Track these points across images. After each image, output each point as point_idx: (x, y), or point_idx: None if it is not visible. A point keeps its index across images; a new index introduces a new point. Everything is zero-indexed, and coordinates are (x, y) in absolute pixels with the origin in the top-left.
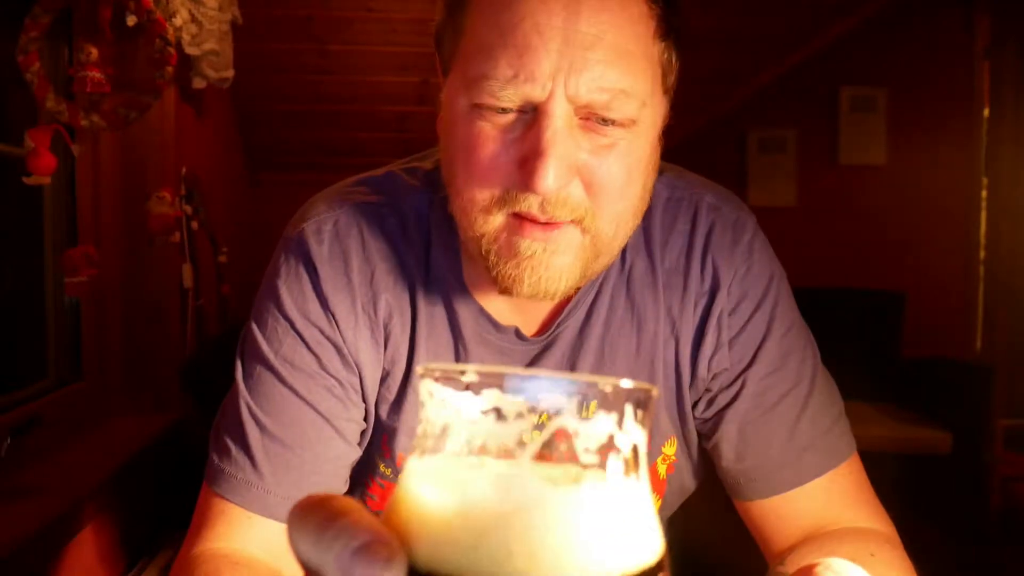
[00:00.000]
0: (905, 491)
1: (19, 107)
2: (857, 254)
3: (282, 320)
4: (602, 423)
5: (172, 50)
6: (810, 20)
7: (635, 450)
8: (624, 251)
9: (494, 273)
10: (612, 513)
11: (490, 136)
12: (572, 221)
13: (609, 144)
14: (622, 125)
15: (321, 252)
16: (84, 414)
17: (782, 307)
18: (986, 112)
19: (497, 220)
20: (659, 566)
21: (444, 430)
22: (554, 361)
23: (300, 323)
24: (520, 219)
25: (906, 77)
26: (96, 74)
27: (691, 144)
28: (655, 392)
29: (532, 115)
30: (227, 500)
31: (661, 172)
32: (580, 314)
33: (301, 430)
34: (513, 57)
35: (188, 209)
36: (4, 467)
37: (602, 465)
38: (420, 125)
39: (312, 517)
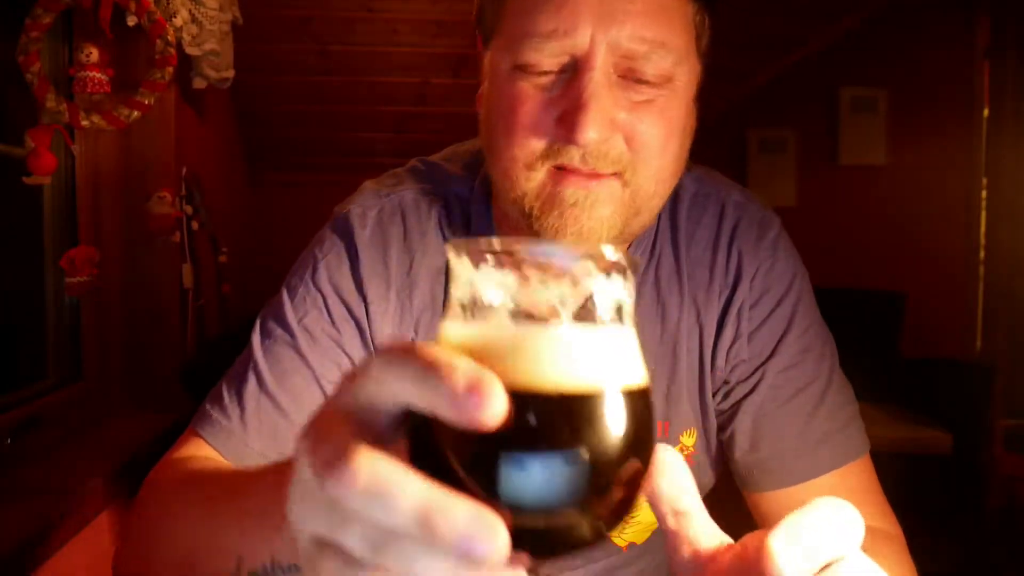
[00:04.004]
0: (905, 491)
1: (19, 107)
2: (857, 254)
3: (313, 290)
4: (615, 284)
5: (172, 50)
6: (810, 20)
7: (623, 306)
8: (653, 243)
9: (537, 227)
10: (616, 348)
11: (531, 95)
12: (613, 174)
13: (647, 101)
14: (658, 84)
15: (363, 236)
16: (84, 414)
17: (803, 305)
18: (986, 113)
19: (540, 175)
20: (647, 391)
21: (475, 297)
22: None
23: (331, 298)
24: (563, 171)
25: (906, 77)
26: (96, 74)
27: (691, 144)
28: (640, 262)
29: (572, 73)
30: (206, 441)
31: (689, 169)
32: None
33: (299, 399)
34: (552, 12)
35: (188, 209)
36: (4, 467)
37: (616, 316)
38: (420, 125)
39: (414, 359)
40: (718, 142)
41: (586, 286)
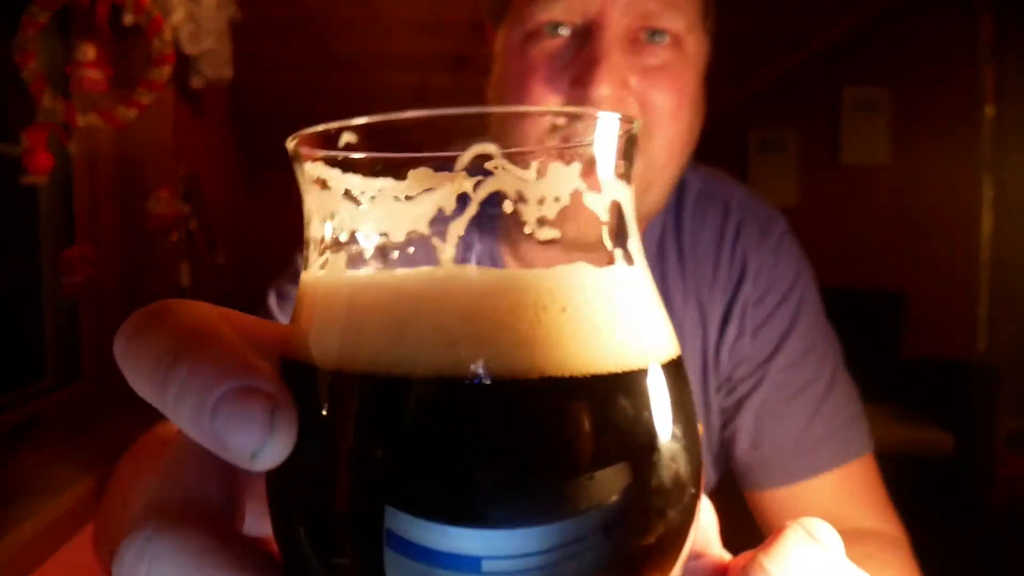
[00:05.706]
0: (906, 492)
1: (16, 106)
2: (859, 254)
3: None
4: (562, 178)
5: (170, 49)
6: (812, 20)
7: (619, 213)
8: (660, 239)
9: None
10: (598, 300)
11: (543, 61)
12: None
13: (660, 66)
14: (671, 41)
15: None
16: (83, 414)
17: (807, 303)
18: (989, 112)
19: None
20: (677, 362)
21: (340, 225)
22: None
23: None
24: None
25: (909, 77)
26: (93, 73)
27: (697, 135)
28: (636, 127)
29: (584, 37)
30: None
31: (695, 169)
32: None
33: None
34: None
35: (186, 208)
36: (3, 467)
37: (566, 242)
38: None
39: (150, 339)
40: (719, 142)
41: (559, 187)
